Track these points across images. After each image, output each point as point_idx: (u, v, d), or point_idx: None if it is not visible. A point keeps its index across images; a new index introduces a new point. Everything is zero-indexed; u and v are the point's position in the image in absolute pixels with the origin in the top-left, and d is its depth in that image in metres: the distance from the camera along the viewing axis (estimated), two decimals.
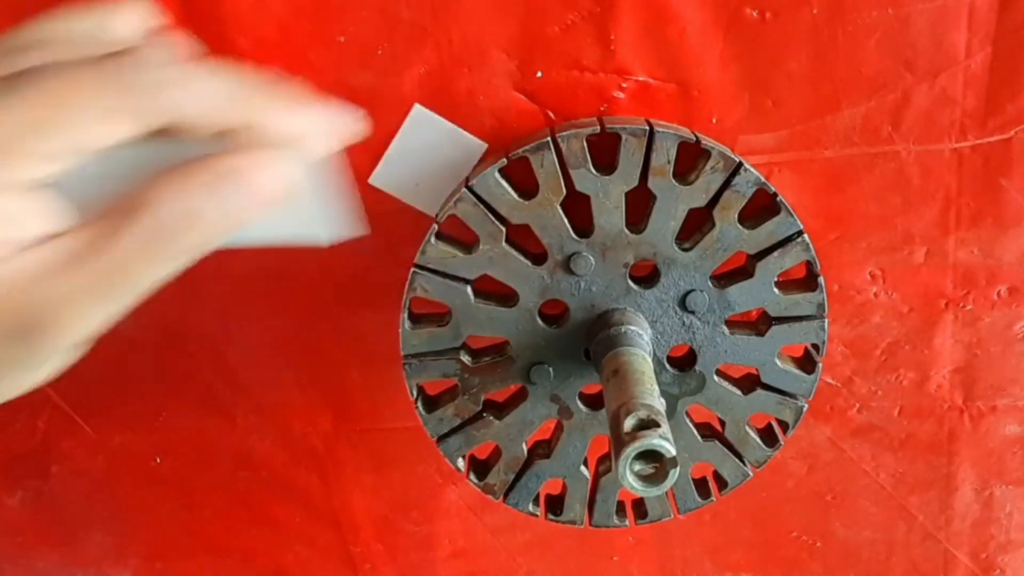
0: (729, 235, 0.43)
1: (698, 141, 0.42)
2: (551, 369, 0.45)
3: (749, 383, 0.46)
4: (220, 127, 0.31)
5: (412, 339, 0.44)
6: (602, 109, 0.46)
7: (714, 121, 0.46)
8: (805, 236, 0.43)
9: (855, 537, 0.58)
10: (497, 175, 0.42)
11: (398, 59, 0.44)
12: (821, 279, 0.44)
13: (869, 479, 0.56)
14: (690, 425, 0.47)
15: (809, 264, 0.45)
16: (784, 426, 0.47)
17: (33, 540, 0.60)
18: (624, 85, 0.45)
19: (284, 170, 0.31)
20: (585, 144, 0.41)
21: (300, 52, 0.44)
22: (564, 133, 0.41)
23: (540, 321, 0.44)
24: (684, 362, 0.46)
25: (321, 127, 0.33)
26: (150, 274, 0.31)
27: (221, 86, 0.31)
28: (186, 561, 0.61)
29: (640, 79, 0.45)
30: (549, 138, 0.41)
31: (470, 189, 0.42)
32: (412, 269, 0.43)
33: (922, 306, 0.51)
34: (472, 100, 0.45)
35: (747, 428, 0.47)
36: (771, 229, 0.43)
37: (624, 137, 0.41)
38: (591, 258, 0.43)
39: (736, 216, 0.43)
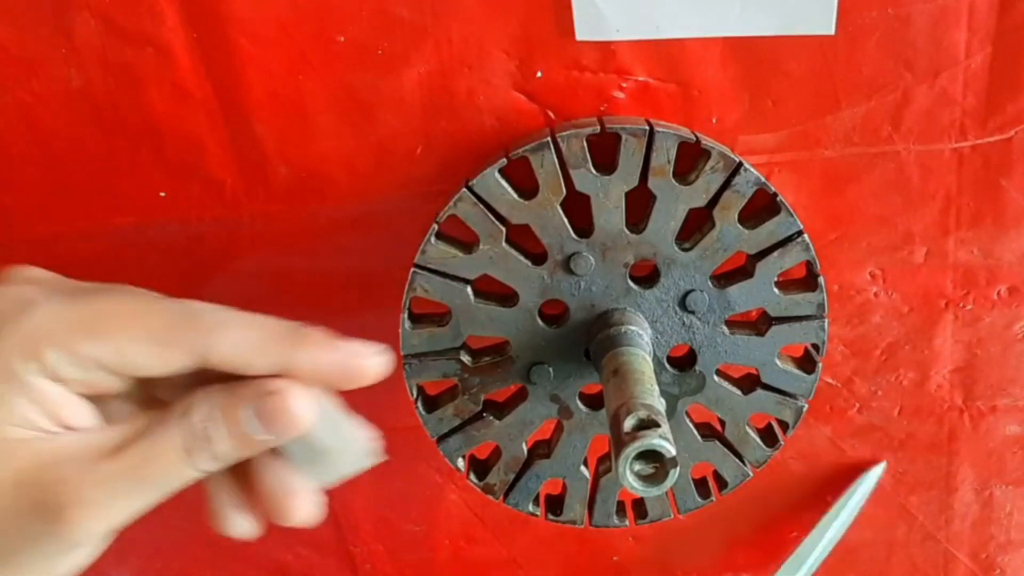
0: (729, 235, 0.43)
1: (698, 141, 0.42)
2: (551, 369, 0.45)
3: (749, 383, 0.46)
4: (257, 369, 0.33)
5: (412, 339, 0.44)
6: (602, 109, 0.46)
7: (714, 121, 0.46)
8: (805, 236, 0.43)
9: (855, 537, 0.58)
10: (497, 175, 0.42)
11: (398, 59, 0.44)
12: (821, 279, 0.44)
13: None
14: (690, 425, 0.47)
15: (809, 264, 0.45)
16: (784, 426, 0.47)
17: None
18: (624, 85, 0.45)
19: (315, 400, 0.34)
20: (585, 144, 0.41)
21: (300, 52, 0.44)
22: (564, 133, 0.41)
23: (540, 321, 0.44)
24: (684, 362, 0.46)
25: (345, 368, 0.34)
26: (179, 474, 0.33)
27: (261, 330, 0.33)
28: (186, 561, 0.61)
29: (640, 79, 0.45)
30: (549, 138, 0.41)
31: (470, 189, 0.42)
32: (412, 269, 0.43)
33: (922, 306, 0.51)
34: (472, 100, 0.45)
35: (747, 428, 0.47)
36: (771, 229, 0.43)
37: (624, 137, 0.41)
38: (591, 258, 0.43)
39: (736, 216, 0.43)
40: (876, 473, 0.55)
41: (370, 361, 0.34)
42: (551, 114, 0.46)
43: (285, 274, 0.50)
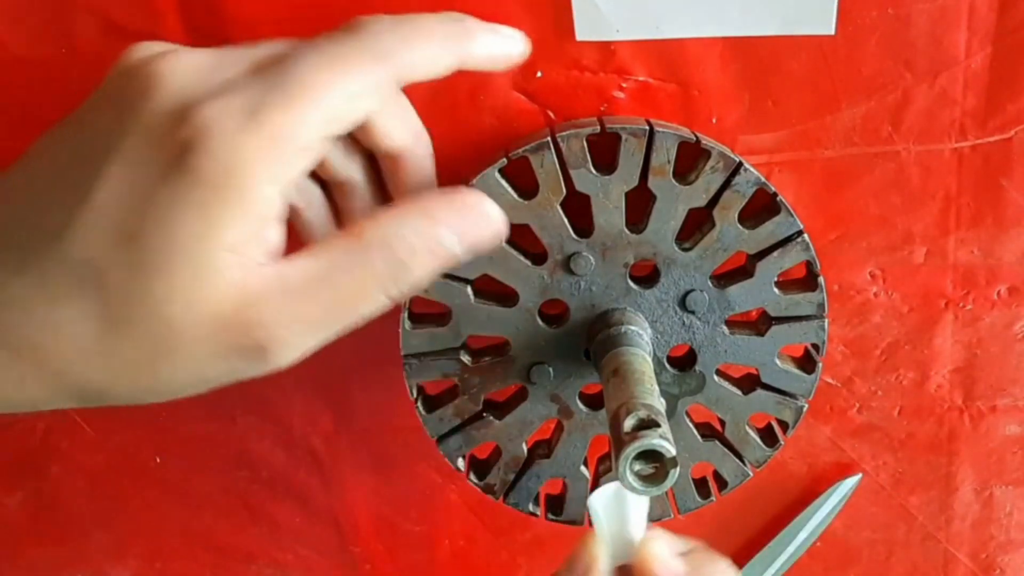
0: (729, 235, 0.43)
1: (698, 141, 0.42)
2: (551, 369, 0.45)
3: (749, 383, 0.46)
4: (442, 70, 0.35)
5: (412, 339, 0.44)
6: (602, 109, 0.46)
7: (714, 121, 0.46)
8: (805, 236, 0.43)
9: (855, 537, 0.58)
10: (497, 175, 0.42)
11: None
12: (821, 279, 0.44)
13: (869, 479, 0.56)
14: (690, 425, 0.47)
15: (809, 264, 0.45)
16: (784, 426, 0.47)
17: (33, 540, 0.60)
18: (624, 85, 0.45)
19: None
20: (585, 144, 0.41)
21: None
22: (564, 133, 0.41)
23: (540, 321, 0.44)
24: (684, 362, 0.46)
25: (505, 51, 0.38)
26: (376, 303, 0.32)
27: (438, 30, 0.35)
28: (186, 561, 0.61)
29: (640, 79, 0.45)
30: (549, 138, 0.41)
31: (470, 187, 0.42)
32: None
33: (922, 306, 0.51)
34: (472, 100, 0.45)
35: (747, 428, 0.47)
36: (771, 229, 0.43)
37: (624, 137, 0.41)
38: (591, 258, 0.43)
39: (736, 216, 0.43)
40: (849, 484, 0.55)
41: (519, 42, 0.38)
42: (551, 114, 0.46)
43: None
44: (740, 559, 0.59)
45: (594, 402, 0.46)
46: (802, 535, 0.56)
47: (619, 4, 0.43)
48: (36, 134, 0.46)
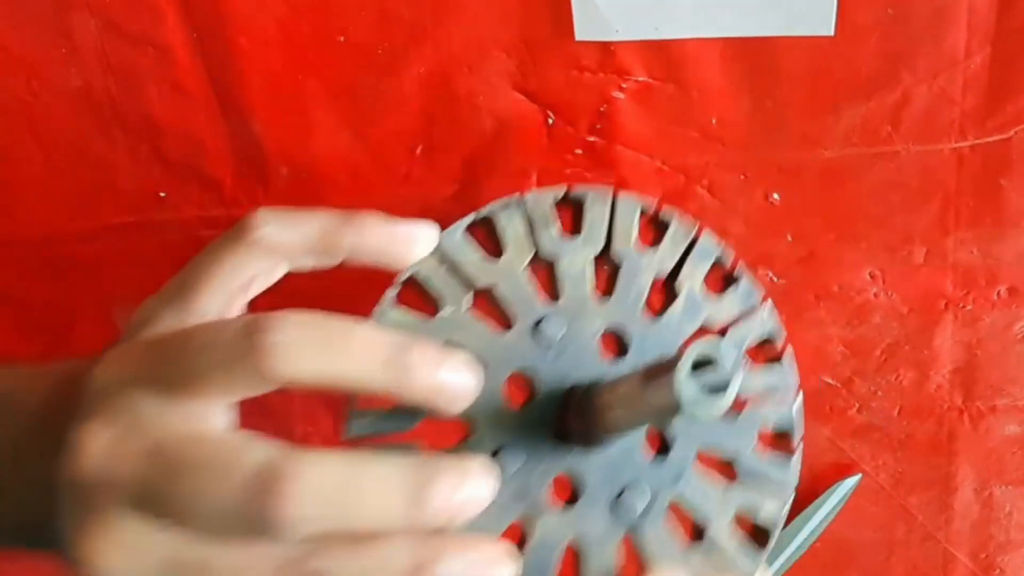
0: (694, 304, 0.41)
1: (657, 212, 0.41)
2: (518, 452, 0.38)
3: (728, 472, 0.41)
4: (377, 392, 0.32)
5: (359, 419, 0.38)
6: (602, 110, 0.46)
7: (714, 121, 0.46)
8: (769, 303, 0.42)
9: (855, 537, 0.58)
10: (463, 233, 0.39)
11: (398, 59, 0.44)
12: (788, 353, 0.42)
13: (869, 479, 0.56)
14: (670, 526, 0.40)
15: (772, 336, 0.42)
16: (765, 534, 0.42)
17: None
18: (624, 85, 0.45)
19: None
20: (552, 206, 0.40)
21: (300, 52, 0.44)
22: (531, 194, 0.40)
23: (506, 395, 0.39)
24: (661, 447, 0.41)
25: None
26: None
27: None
28: None
29: (640, 79, 0.45)
30: (516, 197, 0.40)
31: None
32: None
33: (922, 306, 0.51)
34: (472, 100, 0.46)
35: (730, 527, 0.41)
36: (734, 298, 0.42)
37: (589, 201, 0.40)
38: (559, 324, 0.39)
39: (699, 285, 0.41)
40: (849, 484, 0.55)
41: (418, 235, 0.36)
42: (551, 114, 0.46)
43: (286, 277, 0.50)
44: None
45: (568, 493, 0.40)
46: (802, 535, 0.56)
47: (619, 4, 0.43)
48: (36, 134, 0.46)
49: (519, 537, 0.38)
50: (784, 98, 0.46)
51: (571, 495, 0.39)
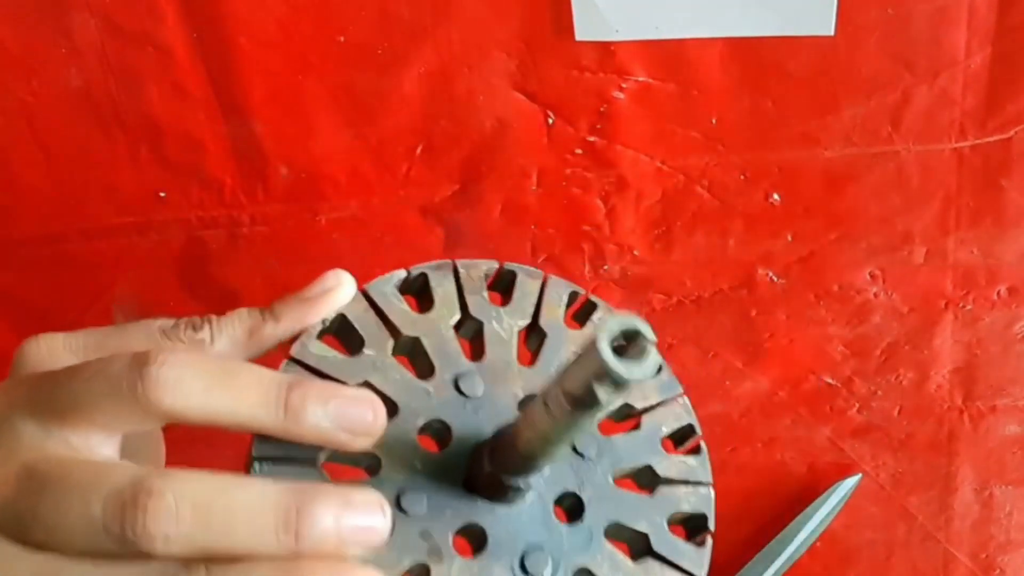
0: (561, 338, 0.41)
1: (587, 295, 0.42)
2: (424, 497, 0.38)
3: (640, 548, 0.41)
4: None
5: (266, 446, 0.37)
6: (602, 110, 0.46)
7: (714, 121, 0.46)
8: (685, 399, 0.42)
9: (855, 537, 0.58)
10: (394, 283, 0.40)
11: (398, 59, 0.44)
12: (703, 445, 0.42)
13: (869, 479, 0.56)
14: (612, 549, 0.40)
15: (690, 427, 0.42)
16: None
17: None
18: (624, 85, 0.45)
19: None
20: (483, 276, 0.41)
21: (300, 52, 0.44)
22: (463, 261, 0.41)
23: (418, 441, 0.39)
24: (572, 513, 0.41)
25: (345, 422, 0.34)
26: None
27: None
28: None
29: (640, 79, 0.45)
30: (451, 261, 0.41)
31: (364, 293, 0.41)
32: (284, 361, 0.38)
33: (922, 306, 0.51)
34: (472, 100, 0.45)
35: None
36: (655, 385, 0.42)
37: (520, 276, 0.41)
38: (481, 381, 0.40)
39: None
40: (849, 484, 0.55)
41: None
42: (551, 114, 0.46)
43: (285, 274, 0.50)
44: (740, 559, 0.59)
45: (473, 542, 0.39)
46: (802, 535, 0.56)
47: (619, 4, 0.43)
48: (36, 134, 0.46)
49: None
50: (784, 98, 0.46)
51: (475, 548, 0.39)
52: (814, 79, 0.45)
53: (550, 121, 0.46)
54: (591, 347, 0.30)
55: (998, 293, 0.51)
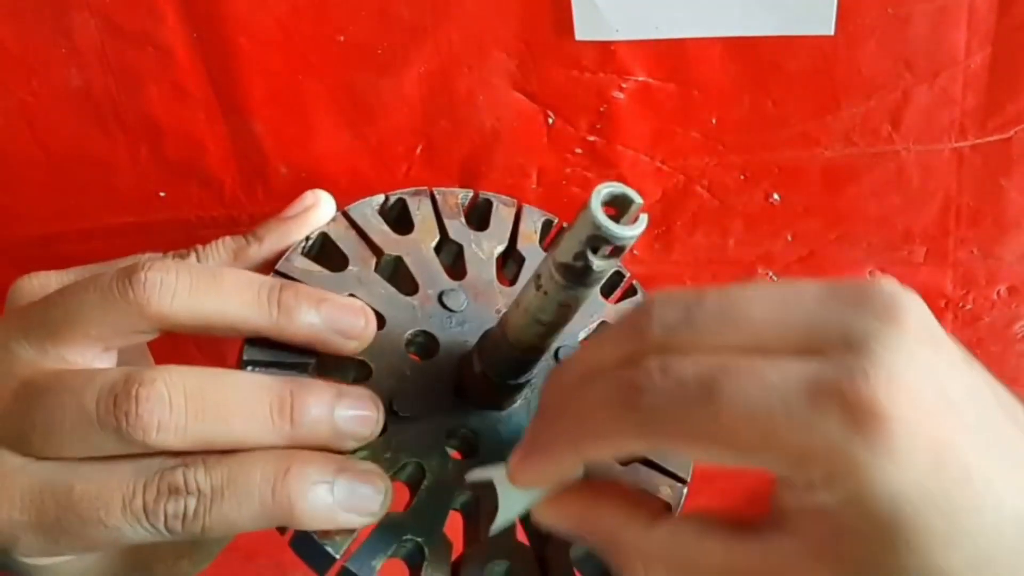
0: (594, 303, 0.42)
1: (562, 224, 0.43)
2: (415, 402, 0.38)
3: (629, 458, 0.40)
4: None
5: (257, 349, 0.36)
6: (602, 109, 0.46)
7: (714, 121, 0.46)
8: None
9: None
10: (374, 206, 0.41)
11: (398, 59, 0.44)
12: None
13: None
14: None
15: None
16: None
17: None
18: (624, 85, 0.45)
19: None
20: (460, 203, 0.42)
21: (300, 52, 0.44)
22: (440, 189, 0.42)
23: (407, 350, 0.39)
24: None
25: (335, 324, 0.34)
26: None
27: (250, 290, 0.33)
28: None
29: (640, 79, 0.45)
30: (427, 188, 0.41)
31: (345, 214, 0.40)
32: (271, 273, 0.38)
33: None
34: (472, 100, 0.45)
35: None
36: (630, 306, 0.43)
37: (495, 204, 0.42)
38: (464, 296, 0.40)
39: (598, 290, 0.41)
40: None
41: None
42: (551, 114, 0.46)
43: None
44: None
45: (462, 450, 0.39)
46: None
47: (619, 4, 0.43)
48: (36, 134, 0.46)
49: (416, 479, 0.37)
50: (784, 98, 0.46)
51: (466, 453, 0.39)
52: (814, 79, 0.45)
53: (550, 121, 0.46)
54: (584, 212, 0.30)
55: (998, 293, 0.51)
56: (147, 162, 0.47)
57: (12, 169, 0.47)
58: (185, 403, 0.30)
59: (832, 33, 0.44)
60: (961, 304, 0.51)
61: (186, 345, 0.49)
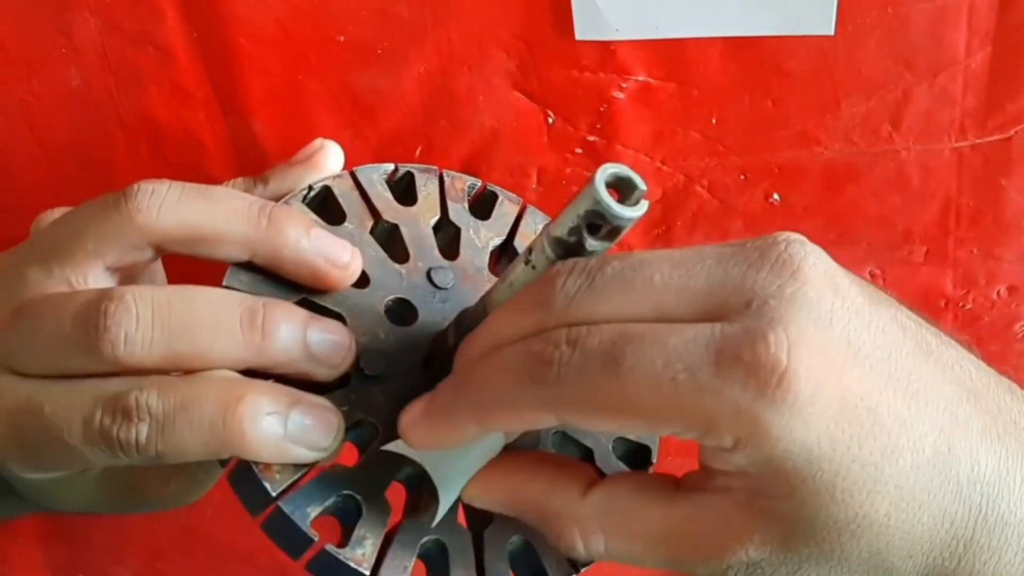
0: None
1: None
2: (384, 361, 0.37)
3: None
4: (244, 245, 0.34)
5: (239, 275, 0.37)
6: (602, 109, 0.46)
7: (714, 121, 0.46)
8: None
9: None
10: (381, 173, 0.41)
11: (398, 59, 0.45)
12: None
13: None
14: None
15: None
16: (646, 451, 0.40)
17: (34, 540, 0.60)
18: (624, 85, 0.45)
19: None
20: (467, 189, 0.42)
21: (300, 52, 0.44)
22: (449, 171, 0.42)
23: (385, 312, 0.39)
24: None
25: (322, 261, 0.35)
26: None
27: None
28: (186, 561, 0.61)
29: (640, 79, 0.45)
30: (437, 167, 0.41)
31: (351, 174, 0.41)
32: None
33: (922, 306, 0.51)
34: (472, 100, 0.46)
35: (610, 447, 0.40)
36: None
37: (501, 198, 0.42)
38: (452, 276, 0.40)
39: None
40: None
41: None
42: (551, 113, 0.46)
43: None
44: None
45: None
46: None
47: (619, 4, 0.43)
48: (36, 134, 0.46)
49: (368, 439, 0.37)
50: (784, 98, 0.46)
51: None
52: (814, 79, 0.45)
53: (550, 121, 0.46)
54: (586, 188, 0.29)
55: (998, 293, 0.51)
56: (147, 162, 0.47)
57: (12, 169, 0.47)
58: (152, 316, 0.30)
59: (832, 33, 0.44)
60: (961, 304, 0.51)
61: None
